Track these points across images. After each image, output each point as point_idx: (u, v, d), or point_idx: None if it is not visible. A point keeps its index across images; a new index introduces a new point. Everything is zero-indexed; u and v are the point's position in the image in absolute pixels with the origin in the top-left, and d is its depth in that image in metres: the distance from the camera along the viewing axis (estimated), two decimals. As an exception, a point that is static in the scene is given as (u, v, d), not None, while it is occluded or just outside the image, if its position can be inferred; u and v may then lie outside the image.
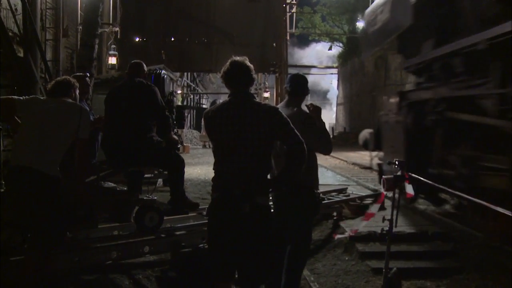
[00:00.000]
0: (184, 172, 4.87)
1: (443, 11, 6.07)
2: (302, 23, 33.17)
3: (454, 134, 5.67)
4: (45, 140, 3.48)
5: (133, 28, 15.66)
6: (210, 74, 32.05)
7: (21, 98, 3.68)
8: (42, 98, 3.78)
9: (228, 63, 2.92)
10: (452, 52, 5.55)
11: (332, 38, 34.21)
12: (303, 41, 29.63)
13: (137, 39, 15.65)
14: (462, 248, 4.95)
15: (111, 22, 14.63)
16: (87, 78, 4.55)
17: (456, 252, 4.89)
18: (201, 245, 4.85)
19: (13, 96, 3.69)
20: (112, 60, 13.69)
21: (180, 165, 4.77)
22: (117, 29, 14.72)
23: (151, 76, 5.51)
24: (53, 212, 3.48)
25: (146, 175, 5.14)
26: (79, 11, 12.94)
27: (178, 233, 4.88)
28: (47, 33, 11.66)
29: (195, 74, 30.87)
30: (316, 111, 3.64)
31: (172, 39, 15.99)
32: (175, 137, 5.11)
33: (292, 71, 20.99)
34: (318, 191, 3.70)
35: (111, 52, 13.81)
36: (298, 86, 3.71)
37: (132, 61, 4.94)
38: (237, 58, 2.92)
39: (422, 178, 3.87)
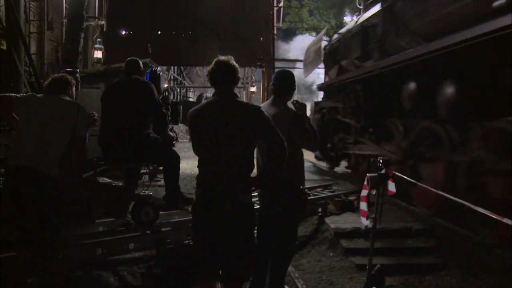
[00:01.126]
0: (179, 168, 4.90)
1: (337, 57, 10.64)
2: (290, 17, 33.11)
3: (336, 126, 10.30)
4: (44, 139, 3.49)
5: (119, 21, 15.51)
6: (197, 68, 31.88)
7: (18, 95, 3.68)
8: (39, 95, 3.72)
9: (213, 63, 2.95)
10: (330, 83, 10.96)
11: (319, 33, 34.20)
12: (289, 34, 29.56)
13: (123, 32, 15.50)
14: (445, 245, 5.02)
15: (97, 15, 14.47)
16: (77, 74, 4.53)
17: (438, 249, 4.96)
18: (186, 241, 4.86)
19: (10, 94, 3.66)
20: (98, 54, 13.56)
21: (175, 161, 4.80)
22: (103, 22, 14.57)
23: (146, 72, 5.48)
24: (51, 211, 3.50)
25: (141, 171, 5.21)
26: (64, 4, 12.77)
27: (163, 229, 4.88)
28: (31, 26, 11.48)
29: (181, 67, 30.73)
30: (301, 108, 3.66)
31: (159, 32, 15.88)
32: (171, 133, 5.14)
33: (278, 65, 20.99)
34: (304, 187, 3.72)
35: (97, 45, 13.67)
36: (284, 83, 3.67)
37: (128, 58, 4.95)
38: (222, 57, 2.95)
39: (404, 176, 3.92)
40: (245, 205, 2.86)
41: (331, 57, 11.30)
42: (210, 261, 2.94)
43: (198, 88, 38.87)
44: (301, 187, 3.64)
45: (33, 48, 11.67)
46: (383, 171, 3.63)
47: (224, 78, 2.93)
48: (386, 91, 7.76)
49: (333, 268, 4.67)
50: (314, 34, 34.72)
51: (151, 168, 5.29)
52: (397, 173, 3.71)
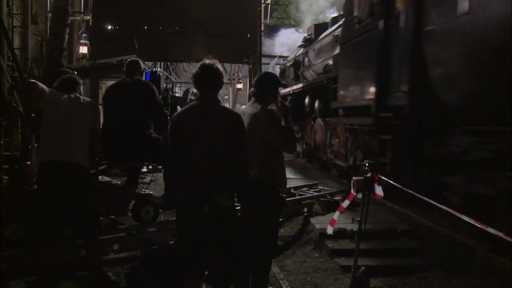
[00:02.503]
0: None
1: (285, 76, 16.53)
2: (277, 13, 33.07)
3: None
4: (74, 134, 3.78)
5: (105, 16, 15.28)
6: (183, 63, 31.66)
7: (48, 89, 3.89)
8: (59, 92, 3.96)
9: (198, 66, 3.02)
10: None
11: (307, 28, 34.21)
12: (274, 29, 29.49)
13: (109, 27, 15.31)
14: (429, 246, 5.07)
15: (82, 10, 14.25)
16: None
17: (422, 250, 5.01)
18: (171, 242, 4.85)
19: (43, 86, 3.86)
20: (83, 49, 13.37)
21: None
22: (88, 17, 14.36)
23: (146, 73, 5.58)
24: (92, 199, 3.94)
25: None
26: (48, -2, 12.56)
27: (149, 229, 4.88)
28: (14, 20, 11.27)
29: (168, 62, 30.50)
30: (283, 109, 3.65)
31: (145, 27, 15.71)
32: None
33: (265, 60, 21.06)
34: (286, 188, 3.73)
35: (82, 41, 13.48)
36: (263, 87, 3.64)
37: (129, 59, 5.10)
38: (208, 61, 3.03)
39: (391, 182, 3.94)
40: (224, 207, 2.93)
41: (281, 75, 16.92)
42: (194, 262, 3.00)
43: (184, 84, 38.68)
44: (279, 188, 3.62)
45: (16, 43, 11.45)
46: (369, 175, 3.64)
47: (207, 82, 3.02)
48: (301, 102, 12.17)
49: (318, 270, 4.69)
50: (301, 30, 34.85)
51: (150, 167, 5.38)
52: (382, 177, 3.72)
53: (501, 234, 2.58)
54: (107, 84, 9.13)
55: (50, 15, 10.33)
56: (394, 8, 6.40)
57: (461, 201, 5.12)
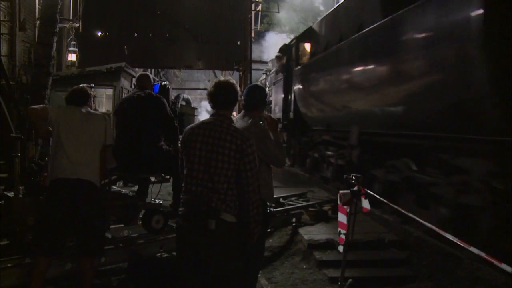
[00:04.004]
0: None
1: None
2: (268, 19, 33.15)
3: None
4: (85, 151, 3.76)
5: (95, 23, 15.22)
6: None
7: (52, 108, 3.88)
8: (68, 107, 3.95)
9: (212, 84, 3.05)
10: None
11: (299, 33, 34.36)
12: (263, 35, 29.63)
13: (99, 34, 15.25)
14: (416, 256, 5.08)
15: (71, 17, 14.18)
16: (92, 89, 4.68)
17: (410, 260, 5.02)
18: (159, 254, 4.82)
19: (45, 105, 3.94)
20: (72, 57, 13.35)
21: None
22: (77, 24, 14.29)
23: (154, 85, 5.75)
24: (102, 217, 3.99)
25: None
26: (36, 5, 12.47)
27: (138, 242, 4.87)
28: (2, 27, 11.20)
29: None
30: (271, 123, 3.67)
31: (135, 34, 15.66)
32: None
33: (256, 66, 21.16)
34: (273, 201, 3.73)
35: (71, 48, 13.44)
36: (253, 100, 3.70)
37: (140, 73, 5.39)
38: (222, 79, 3.07)
39: (376, 195, 3.95)
40: (229, 223, 2.89)
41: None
42: (193, 278, 2.97)
43: (175, 89, 38.63)
44: (267, 202, 3.63)
45: (4, 50, 11.40)
46: (355, 188, 3.65)
47: (222, 101, 3.03)
48: None
49: (306, 281, 4.68)
50: (292, 35, 35.00)
51: (160, 178, 5.50)
52: (368, 191, 3.73)
53: (483, 254, 2.60)
54: (96, 91, 9.09)
55: (38, 22, 10.25)
56: (288, 68, 12.76)
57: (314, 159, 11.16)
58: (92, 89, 5.55)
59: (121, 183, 5.59)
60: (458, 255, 4.88)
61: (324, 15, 11.01)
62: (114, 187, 5.62)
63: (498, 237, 4.76)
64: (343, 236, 3.84)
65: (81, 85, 4.35)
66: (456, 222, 5.31)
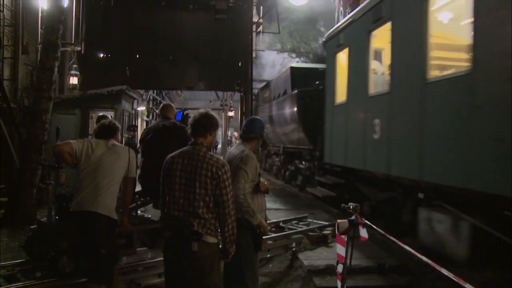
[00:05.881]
0: None
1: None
2: (269, 38, 33.38)
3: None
4: (103, 186, 3.96)
5: (97, 44, 15.36)
6: (176, 88, 31.81)
7: (77, 141, 4.11)
8: (94, 140, 4.20)
9: (192, 117, 3.38)
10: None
11: (298, 54, 34.54)
12: (263, 55, 30.00)
13: (101, 55, 15.37)
14: (417, 282, 5.03)
15: (73, 40, 14.29)
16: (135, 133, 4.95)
17: (411, 286, 4.97)
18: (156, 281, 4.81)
19: (70, 141, 4.08)
20: (74, 80, 13.43)
21: None
22: (79, 48, 14.41)
23: (177, 113, 6.08)
24: (115, 247, 4.19)
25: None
26: (39, 29, 12.59)
27: (139, 268, 4.89)
28: (5, 51, 11.31)
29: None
30: (263, 187, 3.94)
31: (137, 56, 15.78)
32: None
33: (256, 85, 21.39)
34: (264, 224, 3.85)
35: (73, 72, 13.52)
36: (250, 133, 3.99)
37: (163, 103, 5.78)
38: (202, 110, 3.37)
39: (374, 227, 3.93)
40: (210, 244, 3.14)
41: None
42: None
43: (178, 109, 38.76)
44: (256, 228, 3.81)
45: (6, 73, 11.49)
46: (353, 218, 3.63)
47: (196, 127, 3.31)
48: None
49: (306, 309, 4.63)
50: (294, 55, 35.20)
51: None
52: (366, 221, 3.71)
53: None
54: (97, 114, 9.18)
55: (41, 46, 10.35)
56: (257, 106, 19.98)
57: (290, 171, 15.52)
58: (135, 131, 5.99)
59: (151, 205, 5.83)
60: (458, 283, 4.82)
61: (272, 79, 18.00)
62: (139, 211, 5.85)
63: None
64: (340, 270, 3.83)
65: (108, 119, 4.66)
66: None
